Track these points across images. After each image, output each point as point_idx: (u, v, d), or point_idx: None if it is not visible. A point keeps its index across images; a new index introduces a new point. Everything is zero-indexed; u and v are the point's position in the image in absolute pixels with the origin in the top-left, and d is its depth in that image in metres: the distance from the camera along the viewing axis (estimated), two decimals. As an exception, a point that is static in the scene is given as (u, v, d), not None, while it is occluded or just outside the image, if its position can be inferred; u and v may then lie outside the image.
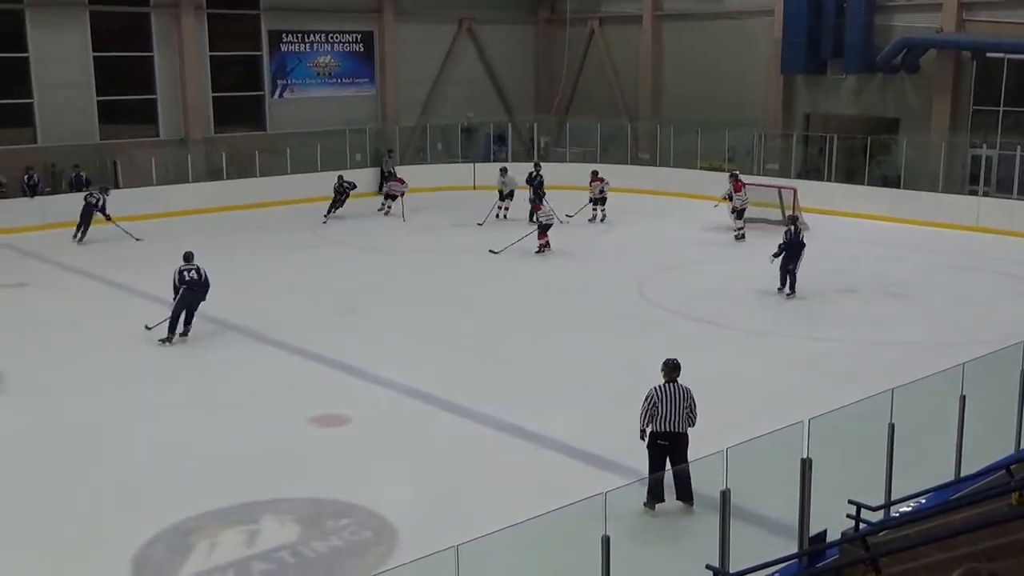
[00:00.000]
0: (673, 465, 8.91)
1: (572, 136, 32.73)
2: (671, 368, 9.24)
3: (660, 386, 9.14)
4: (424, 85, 33.55)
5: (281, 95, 31.24)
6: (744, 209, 22.57)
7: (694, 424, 9.11)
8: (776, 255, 16.91)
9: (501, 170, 25.40)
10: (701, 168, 28.64)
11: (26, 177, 25.26)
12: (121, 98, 28.44)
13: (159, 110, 28.95)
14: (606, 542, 6.41)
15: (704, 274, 19.32)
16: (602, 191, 24.39)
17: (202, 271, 14.81)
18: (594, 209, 24.44)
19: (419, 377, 12.95)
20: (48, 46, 26.84)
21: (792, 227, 17.37)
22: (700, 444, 8.72)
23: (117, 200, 23.55)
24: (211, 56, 29.52)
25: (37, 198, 24.89)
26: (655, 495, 8.86)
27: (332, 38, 32.17)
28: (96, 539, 8.85)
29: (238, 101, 30.61)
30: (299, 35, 31.37)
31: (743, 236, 22.23)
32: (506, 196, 24.81)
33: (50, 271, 20.10)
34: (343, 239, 22.73)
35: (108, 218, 22.68)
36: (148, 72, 28.71)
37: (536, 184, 24.65)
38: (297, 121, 30.69)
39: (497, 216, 24.38)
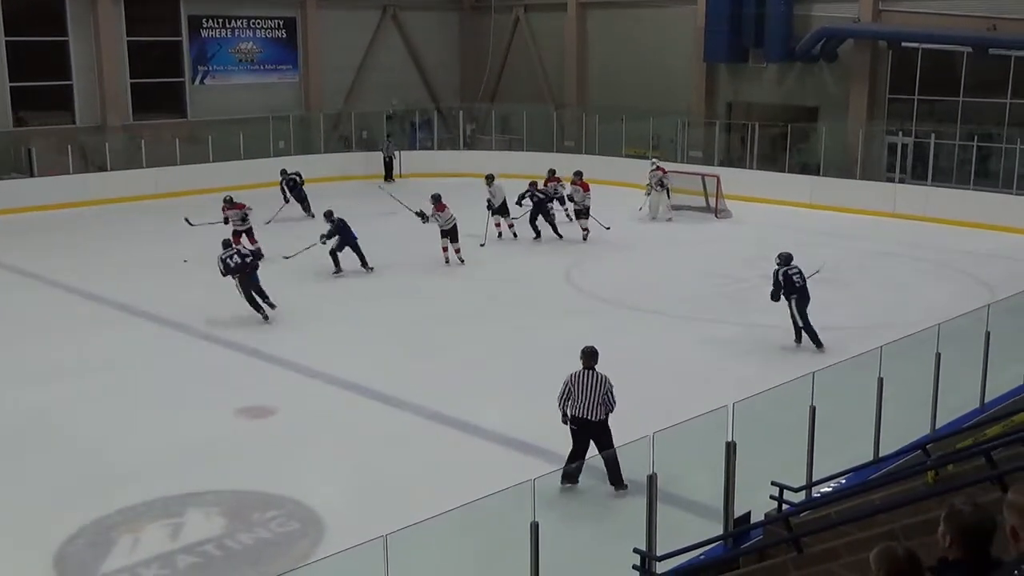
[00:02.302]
0: (599, 451, 8.95)
1: (498, 124, 32.72)
2: (588, 355, 9.28)
3: (576, 373, 9.21)
4: (348, 72, 33.23)
5: (202, 81, 30.67)
6: (586, 208, 20.73)
7: (612, 411, 9.10)
8: (774, 298, 13.61)
9: (487, 178, 20.83)
10: (626, 155, 28.87)
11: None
12: (35, 84, 27.67)
13: (75, 96, 28.23)
14: (535, 528, 6.45)
15: (630, 262, 19.48)
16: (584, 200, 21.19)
17: (243, 251, 15.23)
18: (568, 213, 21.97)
19: (345, 367, 12.86)
20: (-44, 30, 25.99)
21: (786, 268, 13.57)
22: (627, 429, 8.80)
23: (31, 188, 22.94)
24: (129, 41, 28.85)
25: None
26: (568, 475, 8.91)
27: (254, 24, 31.68)
28: (15, 537, 8.63)
29: (158, 88, 29.99)
30: (220, 20, 30.82)
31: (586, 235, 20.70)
32: (498, 209, 20.52)
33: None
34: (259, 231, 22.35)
35: None
36: (63, 57, 27.97)
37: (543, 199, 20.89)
38: (219, 108, 30.16)
39: (500, 235, 20.78)
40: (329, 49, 32.58)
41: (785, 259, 13.67)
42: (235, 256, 14.92)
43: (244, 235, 18.52)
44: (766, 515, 7.66)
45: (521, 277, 18.15)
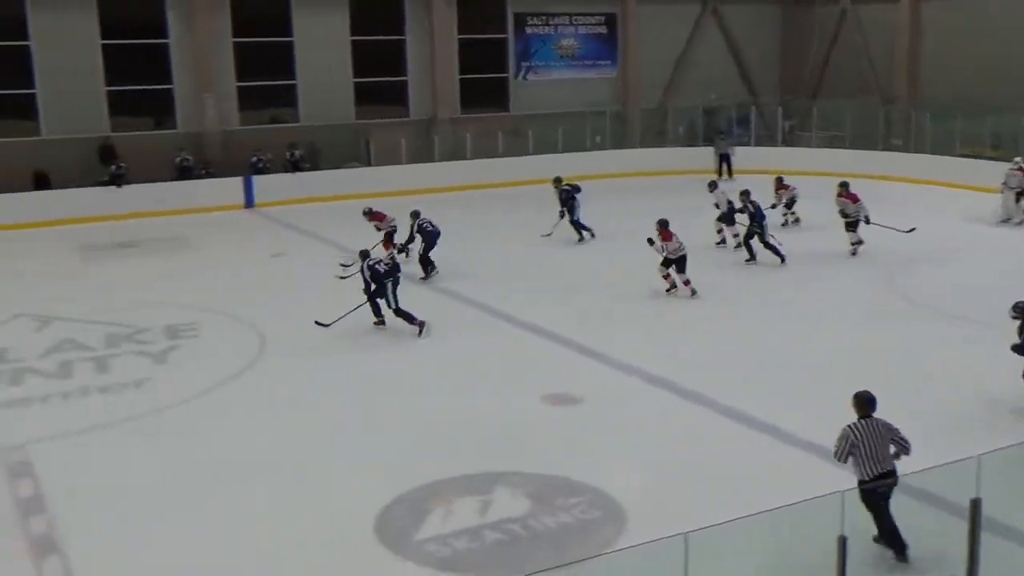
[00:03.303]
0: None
1: (819, 120, 31.57)
2: (867, 403, 7.88)
3: (857, 424, 7.79)
4: (666, 67, 33.30)
5: (525, 77, 31.85)
6: (856, 221, 18.65)
7: (909, 453, 7.90)
8: None
9: (710, 184, 20.41)
10: (960, 155, 26.93)
11: (288, 154, 26.99)
12: (375, 80, 29.86)
13: (409, 91, 30.20)
14: (842, 543, 6.21)
15: (959, 267, 18.13)
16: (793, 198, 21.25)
17: (386, 260, 15.01)
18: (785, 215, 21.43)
19: (653, 361, 12.94)
20: (310, 32, 28.53)
21: None
22: (944, 448, 8.26)
23: (368, 176, 24.70)
24: (459, 39, 30.47)
25: (298, 174, 26.54)
26: (897, 544, 7.77)
27: (576, 20, 32.46)
28: (342, 499, 9.39)
29: (484, 83, 31.46)
30: (544, 17, 31.84)
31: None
32: (722, 216, 19.49)
33: (306, 242, 21.42)
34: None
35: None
36: (400, 55, 29.98)
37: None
38: (539, 103, 31.21)
39: (722, 242, 19.67)
40: (648, 44, 32.77)
41: None
42: (380, 264, 14.48)
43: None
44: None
45: (841, 279, 17.41)
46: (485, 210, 23.65)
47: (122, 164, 25.06)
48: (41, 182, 25.15)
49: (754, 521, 6.21)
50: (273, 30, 28.48)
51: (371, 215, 18.82)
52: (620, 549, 7.89)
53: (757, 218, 18.25)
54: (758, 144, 31.45)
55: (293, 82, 28.69)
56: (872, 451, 7.66)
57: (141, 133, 27.20)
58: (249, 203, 25.94)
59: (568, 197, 20.25)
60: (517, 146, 29.14)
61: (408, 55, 30.09)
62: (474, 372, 12.92)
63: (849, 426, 7.82)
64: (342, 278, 16.37)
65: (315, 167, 27.47)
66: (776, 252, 18.15)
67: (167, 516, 9.10)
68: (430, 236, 17.63)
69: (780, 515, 6.27)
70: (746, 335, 14.20)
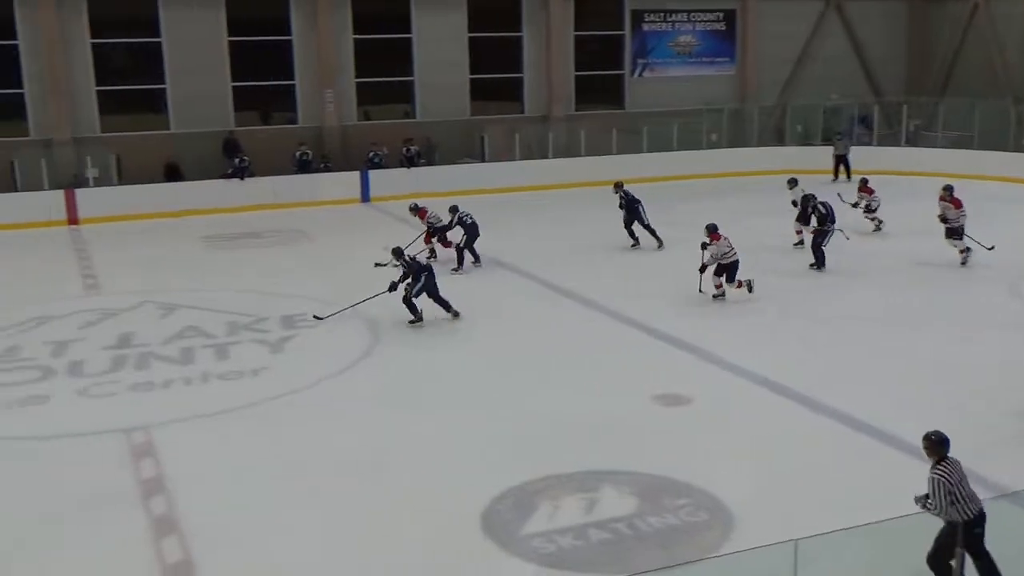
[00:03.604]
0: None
1: (946, 119, 30.53)
2: (942, 443, 7.16)
3: (942, 468, 7.03)
4: (786, 64, 32.72)
5: (641, 74, 31.67)
6: (960, 228, 17.74)
7: None
8: None
9: (789, 182, 20.24)
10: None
11: (404, 149, 27.41)
12: (490, 76, 30.09)
13: (525, 88, 30.33)
14: (961, 557, 6.01)
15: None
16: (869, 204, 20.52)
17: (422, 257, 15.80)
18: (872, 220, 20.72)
19: (761, 363, 12.73)
20: (429, 28, 28.90)
21: None
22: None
23: (481, 172, 24.87)
24: (575, 36, 30.46)
25: (413, 169, 26.92)
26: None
27: (693, 17, 32.13)
28: (451, 491, 9.50)
29: (599, 80, 31.39)
30: (661, 14, 31.61)
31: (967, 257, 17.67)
32: (800, 215, 18.95)
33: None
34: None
35: None
36: (516, 52, 30.13)
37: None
38: (654, 100, 31.01)
39: (801, 243, 19.02)
40: (767, 41, 32.25)
41: None
42: (419, 257, 15.13)
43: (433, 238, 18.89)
44: None
45: (938, 284, 16.84)
46: (596, 207, 23.47)
47: (245, 157, 25.83)
48: (172, 174, 26.15)
49: (866, 531, 6.06)
50: (393, 27, 28.94)
51: (416, 210, 19.39)
52: (727, 553, 7.79)
53: (829, 221, 17.66)
54: (880, 144, 30.60)
55: (411, 79, 29.11)
56: (966, 490, 7.01)
57: (263, 128, 27.99)
58: (365, 197, 26.45)
59: (631, 201, 19.81)
60: (631, 143, 29.00)
61: (524, 51, 30.22)
62: (583, 368, 12.92)
63: (938, 473, 6.97)
64: (380, 265, 16.51)
65: (430, 162, 27.83)
66: (818, 258, 17.58)
67: (281, 503, 9.35)
68: (471, 229, 18.23)
69: (892, 526, 6.11)
70: (863, 340, 13.85)
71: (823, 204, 17.74)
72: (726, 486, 9.34)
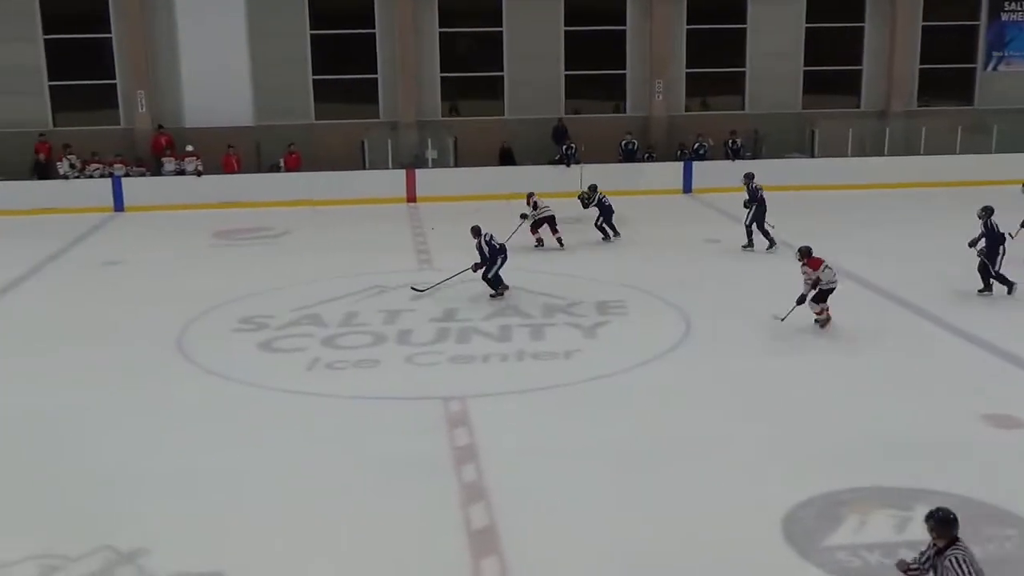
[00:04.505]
0: None
1: None
2: (946, 523, 6.72)
3: (962, 551, 6.61)
4: None
5: (995, 68, 29.27)
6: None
7: None
8: None
9: None
10: None
11: (730, 141, 27.03)
12: (826, 68, 28.97)
13: (863, 81, 28.96)
14: None
15: None
16: None
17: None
18: None
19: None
20: (764, 18, 28.29)
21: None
22: None
23: (809, 167, 24.04)
24: (923, 26, 28.66)
25: (737, 161, 26.49)
26: None
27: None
28: (753, 492, 9.29)
29: (945, 73, 29.39)
30: (1023, 2, 29.03)
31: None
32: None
33: (741, 230, 21.29)
34: None
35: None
36: (856, 43, 28.82)
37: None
38: (1010, 97, 28.59)
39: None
40: None
41: None
42: (495, 241, 16.27)
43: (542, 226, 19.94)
44: None
45: None
46: (938, 208, 22.13)
47: (573, 144, 26.48)
48: (505, 158, 27.31)
49: None
50: (727, 17, 28.56)
51: (529, 199, 20.26)
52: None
53: (993, 240, 15.45)
54: None
55: (742, 70, 28.63)
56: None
57: (592, 116, 28.56)
58: (687, 188, 26.36)
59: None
60: (979, 143, 26.95)
61: (865, 42, 28.83)
62: (907, 380, 12.21)
63: (962, 556, 6.51)
64: (418, 290, 16.50)
65: (756, 155, 27.26)
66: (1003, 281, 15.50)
67: (579, 482, 9.53)
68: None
69: None
70: None
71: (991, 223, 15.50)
72: (1060, 522, 8.51)
